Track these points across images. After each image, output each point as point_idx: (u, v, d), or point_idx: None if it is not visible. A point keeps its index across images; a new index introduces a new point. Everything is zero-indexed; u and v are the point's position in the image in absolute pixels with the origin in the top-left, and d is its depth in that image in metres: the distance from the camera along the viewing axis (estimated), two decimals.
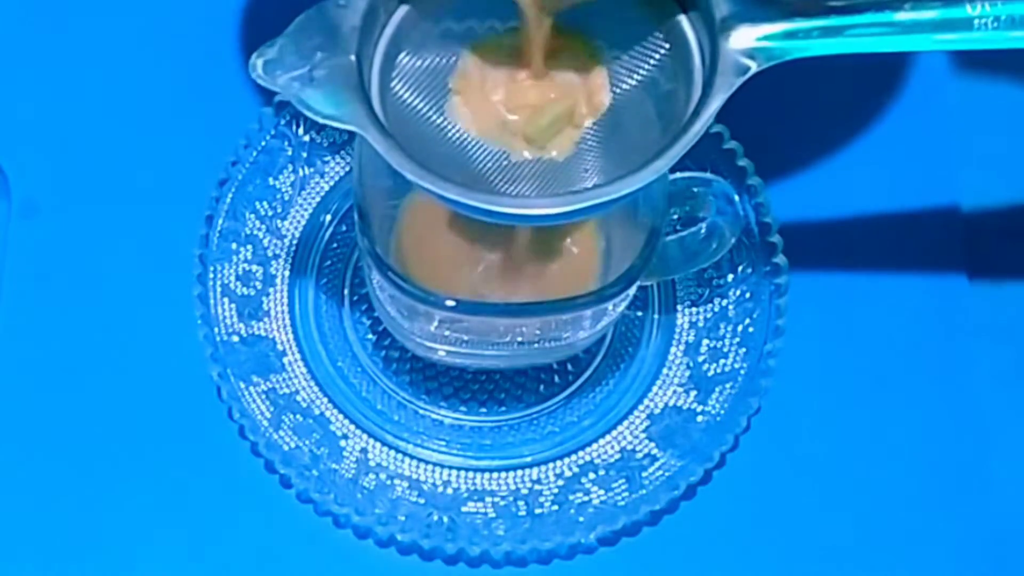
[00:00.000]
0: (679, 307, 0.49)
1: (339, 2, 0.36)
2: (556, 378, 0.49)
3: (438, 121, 0.40)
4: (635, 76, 0.39)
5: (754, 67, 0.36)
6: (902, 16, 0.35)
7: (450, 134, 0.40)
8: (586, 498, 0.46)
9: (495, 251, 0.46)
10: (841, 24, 0.36)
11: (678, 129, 0.36)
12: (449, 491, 0.47)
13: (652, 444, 0.47)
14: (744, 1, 0.36)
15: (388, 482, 0.46)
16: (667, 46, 0.38)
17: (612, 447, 0.47)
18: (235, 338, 0.47)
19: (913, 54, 0.54)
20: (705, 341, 0.49)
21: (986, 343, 0.50)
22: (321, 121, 0.35)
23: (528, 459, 0.47)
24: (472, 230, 0.46)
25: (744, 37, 0.36)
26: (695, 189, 0.44)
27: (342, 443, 0.47)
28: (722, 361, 0.48)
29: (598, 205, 0.35)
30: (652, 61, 0.39)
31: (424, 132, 0.39)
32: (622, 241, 0.45)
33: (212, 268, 0.48)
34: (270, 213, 0.49)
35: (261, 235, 0.49)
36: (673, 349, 0.49)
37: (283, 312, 0.49)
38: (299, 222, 0.50)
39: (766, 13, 0.36)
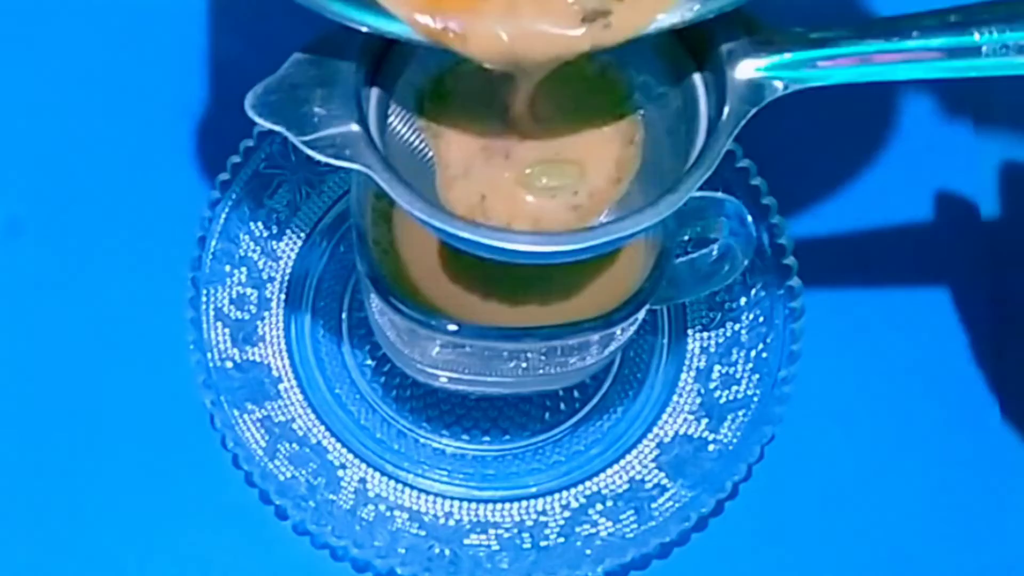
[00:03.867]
0: (690, 332, 0.49)
1: (334, 39, 0.36)
2: (562, 405, 0.49)
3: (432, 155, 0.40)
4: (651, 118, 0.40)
5: (767, 95, 0.36)
6: (910, 43, 0.36)
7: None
8: (593, 530, 0.46)
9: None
10: (854, 51, 0.36)
11: (689, 164, 0.36)
12: (451, 523, 0.46)
13: (662, 474, 0.47)
14: (747, 39, 0.36)
15: (388, 513, 0.46)
16: (671, 87, 0.38)
17: (620, 477, 0.47)
18: (229, 364, 0.47)
19: None
20: (717, 367, 0.48)
21: (1011, 366, 0.50)
22: (324, 160, 0.35)
23: (533, 489, 0.47)
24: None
25: (747, 68, 0.36)
26: (707, 209, 0.43)
27: (340, 473, 0.47)
28: (735, 388, 0.48)
29: (613, 240, 0.35)
30: (658, 99, 0.39)
31: (421, 166, 0.39)
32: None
33: (205, 291, 0.48)
34: (265, 234, 0.49)
35: (256, 257, 0.49)
36: (683, 375, 0.49)
37: (278, 337, 0.49)
38: (295, 243, 0.50)
39: (771, 47, 0.36)
